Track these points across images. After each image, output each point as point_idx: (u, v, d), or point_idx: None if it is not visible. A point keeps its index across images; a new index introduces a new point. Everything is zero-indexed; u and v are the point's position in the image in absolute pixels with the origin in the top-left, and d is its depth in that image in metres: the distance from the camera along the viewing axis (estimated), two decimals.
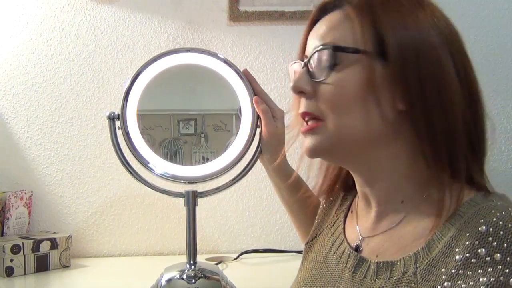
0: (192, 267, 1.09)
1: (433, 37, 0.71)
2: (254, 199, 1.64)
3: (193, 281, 1.05)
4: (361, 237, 0.79)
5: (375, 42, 0.71)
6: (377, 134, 0.73)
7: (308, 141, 0.76)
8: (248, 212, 1.64)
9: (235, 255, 1.56)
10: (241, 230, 1.64)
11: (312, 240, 0.92)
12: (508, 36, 1.66)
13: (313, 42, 0.77)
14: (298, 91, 0.76)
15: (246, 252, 1.59)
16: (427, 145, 0.70)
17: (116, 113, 1.08)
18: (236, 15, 1.63)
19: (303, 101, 0.77)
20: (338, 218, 0.88)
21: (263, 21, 1.63)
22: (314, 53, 0.75)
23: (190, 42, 1.62)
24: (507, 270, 0.62)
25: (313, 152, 0.77)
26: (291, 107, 0.86)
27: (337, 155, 0.77)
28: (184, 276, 1.06)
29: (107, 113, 1.08)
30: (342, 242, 0.82)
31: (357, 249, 0.79)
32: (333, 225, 0.88)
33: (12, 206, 1.48)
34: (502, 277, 0.61)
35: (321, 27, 0.77)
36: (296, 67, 0.82)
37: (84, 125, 1.61)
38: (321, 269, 0.83)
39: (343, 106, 0.72)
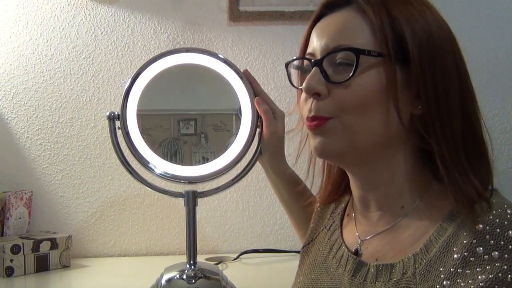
0: (192, 267, 1.09)
1: (443, 40, 0.72)
2: (254, 199, 1.64)
3: (193, 281, 1.05)
4: (360, 241, 0.79)
5: (395, 46, 0.70)
6: (391, 138, 0.73)
7: (318, 140, 0.74)
8: (248, 212, 1.64)
9: (235, 255, 1.56)
10: (241, 230, 1.64)
11: (309, 244, 0.91)
12: (508, 36, 1.66)
13: (323, 41, 0.74)
14: (313, 92, 0.73)
15: (246, 252, 1.59)
16: (439, 148, 0.70)
17: (116, 113, 1.08)
18: (236, 15, 1.63)
19: (314, 102, 0.74)
20: (334, 222, 0.88)
21: (263, 21, 1.63)
22: (329, 53, 0.72)
23: (190, 42, 1.62)
24: (505, 267, 0.62)
25: (325, 154, 0.75)
26: (294, 108, 0.86)
27: (348, 158, 0.75)
28: (184, 276, 1.06)
29: (107, 113, 1.08)
30: (340, 246, 0.82)
31: (356, 252, 0.78)
32: (329, 228, 0.88)
33: (12, 206, 1.48)
34: (500, 274, 0.62)
35: (332, 25, 0.74)
36: (298, 65, 0.80)
37: (84, 125, 1.61)
38: (321, 273, 0.83)
39: (362, 109, 0.71)
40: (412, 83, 0.70)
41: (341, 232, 0.85)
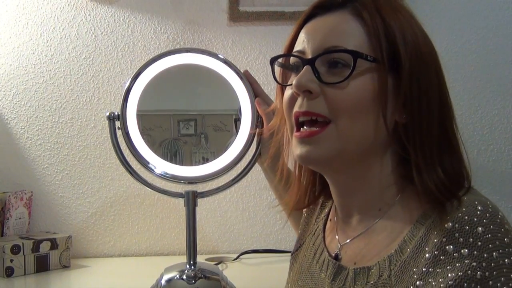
0: (192, 267, 1.09)
1: (427, 54, 0.73)
2: (254, 199, 1.64)
3: (193, 281, 1.05)
4: (339, 245, 0.79)
5: (389, 53, 0.71)
6: (376, 144, 0.73)
7: (306, 149, 0.73)
8: (248, 212, 1.64)
9: (235, 255, 1.56)
10: (241, 230, 1.64)
11: (297, 250, 0.91)
12: (508, 36, 1.66)
13: (316, 40, 0.73)
14: (304, 90, 0.72)
15: (246, 252, 1.59)
16: (417, 154, 0.70)
17: (116, 114, 1.08)
18: (236, 15, 1.63)
19: (304, 101, 0.73)
20: (318, 227, 0.88)
21: (263, 21, 1.63)
22: (324, 53, 0.72)
23: (190, 42, 1.62)
24: (474, 264, 0.62)
25: (310, 162, 0.75)
26: (274, 105, 0.85)
27: (333, 165, 0.74)
28: (184, 277, 1.06)
29: (107, 114, 1.08)
30: (322, 251, 0.82)
31: (336, 257, 0.78)
32: (314, 233, 0.88)
33: (12, 206, 1.48)
34: (469, 271, 0.62)
35: (327, 25, 0.74)
36: (283, 62, 0.79)
37: (84, 126, 1.61)
38: (306, 279, 0.83)
39: (357, 113, 0.71)
40: (401, 92, 0.71)
41: (324, 237, 0.85)
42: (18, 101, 1.60)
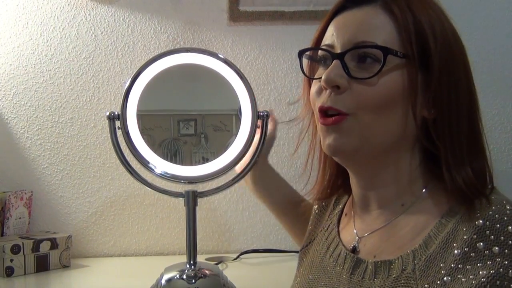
0: (192, 267, 1.08)
1: (456, 49, 0.73)
2: (254, 199, 1.62)
3: (193, 281, 1.05)
4: (358, 238, 0.79)
5: (419, 48, 0.71)
6: (403, 139, 0.73)
7: (333, 137, 0.73)
8: (248, 212, 1.64)
9: (235, 255, 1.56)
10: (241, 230, 1.64)
11: (307, 246, 0.91)
12: (508, 36, 1.66)
13: (346, 34, 0.73)
14: (333, 85, 0.72)
15: (246, 252, 1.59)
16: (447, 150, 0.71)
17: (116, 113, 1.07)
18: (236, 15, 1.62)
19: (331, 95, 0.73)
20: (331, 222, 0.88)
21: (263, 21, 1.63)
22: (355, 48, 0.72)
23: (190, 42, 1.62)
24: (506, 262, 0.63)
25: (337, 151, 0.75)
26: (300, 97, 0.85)
27: (359, 157, 0.75)
28: (184, 276, 1.06)
29: (107, 113, 1.08)
30: (337, 245, 0.82)
31: (354, 250, 0.78)
32: (327, 229, 0.88)
33: (12, 206, 1.48)
34: (501, 269, 0.62)
35: (357, 19, 0.73)
36: (311, 55, 0.79)
37: (84, 125, 1.61)
38: (318, 273, 0.83)
39: (382, 108, 0.71)
40: (431, 87, 0.71)
41: (338, 231, 0.85)
42: (18, 101, 1.60)
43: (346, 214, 0.86)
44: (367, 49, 0.71)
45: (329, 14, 0.78)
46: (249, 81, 1.11)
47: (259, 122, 1.07)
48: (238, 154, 1.08)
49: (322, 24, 0.79)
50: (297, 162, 1.49)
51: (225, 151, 1.09)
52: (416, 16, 0.71)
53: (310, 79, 0.81)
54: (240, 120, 1.08)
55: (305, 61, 0.81)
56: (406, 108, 0.71)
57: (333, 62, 0.73)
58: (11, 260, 1.35)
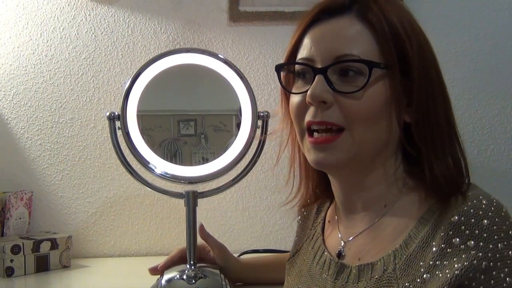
0: (192, 267, 1.09)
1: (428, 51, 0.75)
2: (254, 199, 1.64)
3: (193, 281, 1.05)
4: (343, 243, 0.79)
5: (399, 59, 0.71)
6: (389, 143, 0.75)
7: (323, 155, 0.73)
8: (248, 212, 1.64)
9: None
10: (241, 230, 1.64)
11: (293, 256, 0.92)
12: (508, 36, 1.66)
13: (325, 48, 0.73)
14: (319, 100, 0.72)
15: (246, 252, 1.58)
16: (429, 149, 0.72)
17: (116, 114, 1.08)
18: (236, 15, 1.62)
19: (318, 111, 0.73)
20: (316, 231, 0.88)
21: (263, 21, 1.63)
22: (337, 63, 0.71)
23: (190, 42, 1.62)
24: (480, 254, 0.64)
25: (326, 166, 0.75)
26: (278, 110, 0.85)
27: (348, 168, 0.75)
28: (184, 276, 1.06)
29: (107, 114, 1.08)
30: (323, 252, 0.82)
31: (339, 255, 0.79)
32: (312, 238, 0.88)
33: (12, 206, 1.48)
34: (475, 261, 0.63)
35: (335, 32, 0.73)
36: (291, 69, 0.78)
37: (84, 126, 1.61)
38: (307, 282, 0.83)
39: (371, 120, 0.72)
40: (413, 93, 0.72)
41: (324, 239, 0.85)
42: (18, 101, 1.60)
43: (329, 221, 0.87)
44: (348, 63, 0.71)
45: (303, 25, 0.77)
46: (249, 81, 1.12)
47: (259, 122, 1.07)
48: (238, 154, 1.08)
49: (296, 35, 0.78)
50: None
51: (225, 151, 1.09)
52: (392, 23, 0.72)
53: (289, 92, 0.79)
54: (240, 120, 1.08)
55: (284, 75, 0.81)
56: (391, 115, 0.73)
57: (316, 77, 0.72)
58: (11, 261, 1.34)
